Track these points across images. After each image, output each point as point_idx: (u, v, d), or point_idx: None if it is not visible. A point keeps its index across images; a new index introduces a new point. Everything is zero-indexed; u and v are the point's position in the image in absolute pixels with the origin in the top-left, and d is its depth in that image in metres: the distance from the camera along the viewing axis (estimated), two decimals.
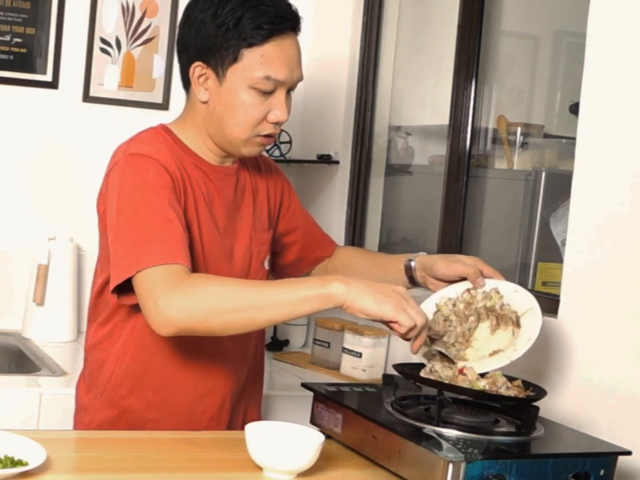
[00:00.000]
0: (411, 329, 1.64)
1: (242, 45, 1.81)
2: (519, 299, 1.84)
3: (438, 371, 1.74)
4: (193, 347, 1.87)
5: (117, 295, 1.77)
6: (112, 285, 1.75)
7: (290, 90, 1.88)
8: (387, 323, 1.66)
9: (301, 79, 1.88)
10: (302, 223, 2.16)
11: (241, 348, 1.96)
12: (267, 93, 1.83)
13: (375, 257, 2.18)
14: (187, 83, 1.91)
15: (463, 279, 1.90)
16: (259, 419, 2.05)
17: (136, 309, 1.81)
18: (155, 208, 1.75)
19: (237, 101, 1.83)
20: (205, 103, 1.87)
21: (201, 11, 1.84)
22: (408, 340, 1.70)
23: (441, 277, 1.92)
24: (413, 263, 1.99)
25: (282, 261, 2.16)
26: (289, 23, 1.84)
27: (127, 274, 1.71)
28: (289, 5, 1.87)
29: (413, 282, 2.01)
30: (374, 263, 2.11)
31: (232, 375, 1.95)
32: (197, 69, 1.86)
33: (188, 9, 1.89)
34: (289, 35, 1.84)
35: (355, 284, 1.64)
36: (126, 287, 1.74)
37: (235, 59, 1.82)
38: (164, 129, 1.92)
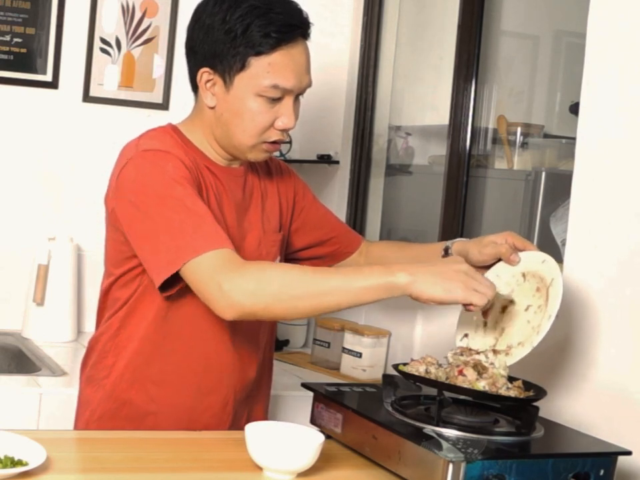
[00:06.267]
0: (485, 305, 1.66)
1: (249, 52, 1.79)
2: (546, 269, 1.82)
3: (432, 372, 1.75)
4: (196, 343, 1.87)
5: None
6: (158, 282, 1.73)
7: (298, 95, 1.86)
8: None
9: (309, 85, 1.86)
10: (320, 220, 2.14)
11: (248, 347, 1.95)
12: (275, 100, 1.82)
13: (409, 249, 2.14)
14: (195, 86, 1.90)
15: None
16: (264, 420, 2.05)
17: (138, 302, 1.84)
18: (182, 199, 1.73)
19: (244, 108, 1.82)
20: (212, 108, 1.86)
21: (210, 15, 1.82)
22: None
23: (477, 264, 1.91)
24: (450, 252, 1.98)
25: (303, 258, 2.14)
26: (299, 30, 1.82)
27: (173, 267, 1.69)
28: (299, 12, 1.84)
29: None
30: (409, 256, 2.08)
31: (237, 374, 1.94)
32: (205, 74, 1.84)
33: (197, 11, 1.86)
34: (298, 43, 1.82)
35: (421, 273, 1.63)
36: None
37: (243, 67, 1.80)
38: (172, 128, 1.91)
